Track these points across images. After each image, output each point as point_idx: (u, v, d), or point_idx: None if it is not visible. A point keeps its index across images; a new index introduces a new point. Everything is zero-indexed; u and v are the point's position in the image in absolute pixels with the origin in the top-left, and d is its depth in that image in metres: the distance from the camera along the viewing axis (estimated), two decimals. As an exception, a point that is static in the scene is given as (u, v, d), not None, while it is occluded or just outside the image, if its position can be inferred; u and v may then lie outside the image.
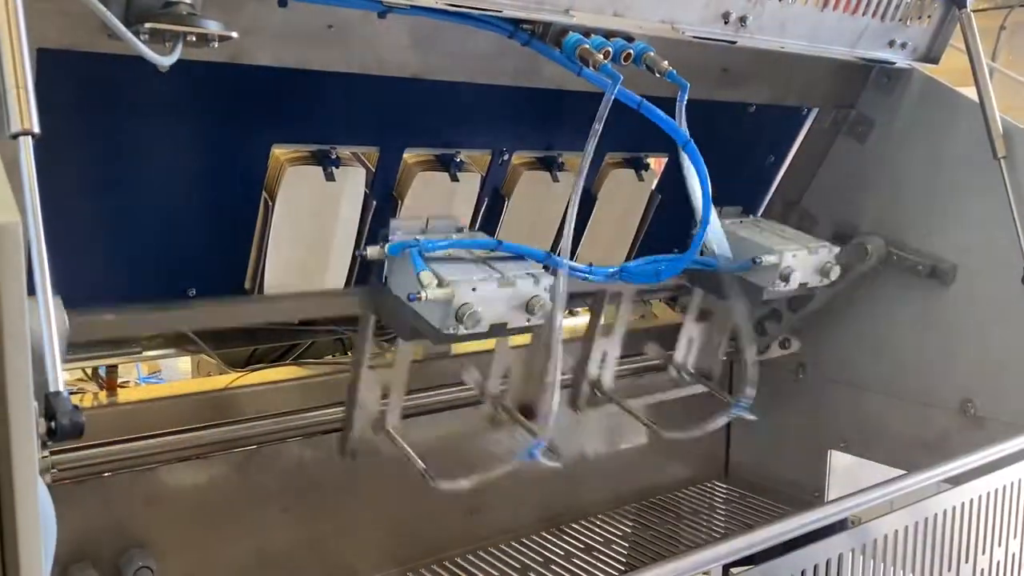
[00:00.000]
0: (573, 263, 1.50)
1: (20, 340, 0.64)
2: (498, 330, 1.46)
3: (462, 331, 1.40)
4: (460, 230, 1.60)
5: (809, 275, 1.93)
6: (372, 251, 1.47)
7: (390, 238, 1.48)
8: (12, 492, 0.67)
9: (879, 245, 2.20)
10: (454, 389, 1.94)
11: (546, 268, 1.55)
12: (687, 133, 1.51)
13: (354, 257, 1.78)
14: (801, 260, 1.90)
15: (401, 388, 1.68)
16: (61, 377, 0.80)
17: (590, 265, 1.59)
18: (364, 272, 1.82)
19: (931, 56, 2.16)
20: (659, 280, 1.69)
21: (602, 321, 2.01)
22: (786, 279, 1.87)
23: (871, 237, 2.21)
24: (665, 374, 2.21)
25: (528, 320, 1.47)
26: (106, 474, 1.64)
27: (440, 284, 1.38)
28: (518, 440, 1.82)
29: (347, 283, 1.81)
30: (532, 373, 1.82)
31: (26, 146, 0.85)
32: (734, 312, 1.91)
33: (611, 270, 1.63)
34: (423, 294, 1.36)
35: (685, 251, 1.64)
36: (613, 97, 1.48)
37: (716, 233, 1.71)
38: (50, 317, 0.81)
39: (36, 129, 0.85)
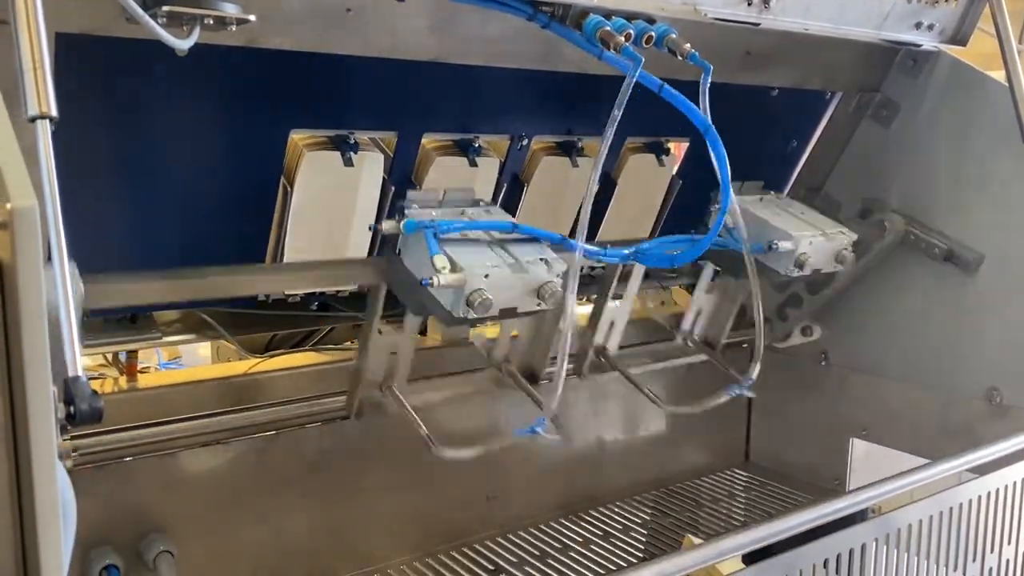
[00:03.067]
0: (588, 245, 1.49)
1: (38, 325, 0.64)
2: (508, 313, 1.46)
3: (472, 315, 1.40)
4: (476, 203, 1.60)
5: (824, 261, 1.91)
6: (387, 225, 1.47)
7: (406, 211, 1.48)
8: (32, 477, 0.67)
9: (898, 222, 2.17)
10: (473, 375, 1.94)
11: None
12: (708, 119, 1.49)
13: (372, 242, 1.78)
14: (817, 247, 1.88)
15: (409, 351, 1.71)
16: (80, 363, 0.80)
17: (605, 248, 1.57)
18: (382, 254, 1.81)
19: (959, 38, 2.11)
20: (673, 265, 1.68)
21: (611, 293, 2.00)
22: (801, 266, 1.86)
23: (891, 214, 2.18)
24: (672, 344, 2.23)
25: (538, 305, 1.47)
26: (127, 459, 1.65)
27: (453, 269, 1.37)
28: (524, 411, 1.84)
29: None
30: (539, 340, 1.86)
31: (43, 130, 0.84)
32: (747, 289, 1.90)
33: (626, 251, 1.62)
34: (436, 279, 1.36)
35: (702, 234, 1.63)
36: (635, 80, 1.46)
37: (737, 216, 1.70)
38: (68, 302, 0.81)
39: (54, 112, 0.85)
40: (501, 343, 1.86)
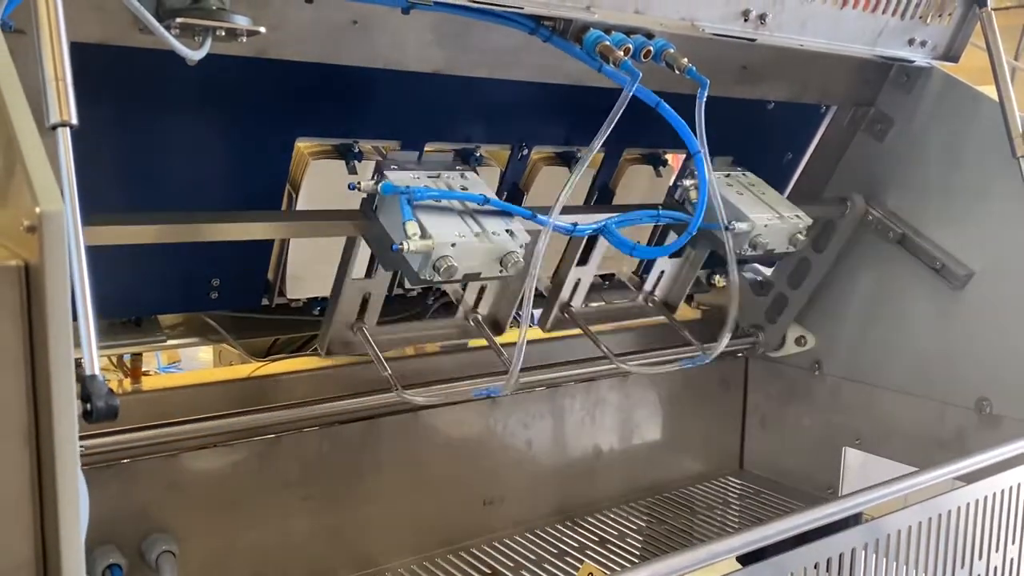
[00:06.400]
0: (558, 220, 1.56)
1: (64, 326, 0.67)
2: (471, 277, 1.54)
3: (437, 279, 1.48)
4: (453, 166, 1.66)
5: (778, 243, 1.97)
6: (366, 185, 1.52)
7: (384, 172, 1.54)
8: (54, 474, 0.70)
9: (859, 201, 2.25)
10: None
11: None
12: (697, 143, 1.56)
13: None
14: (772, 229, 1.93)
15: (380, 296, 1.81)
16: (96, 362, 0.82)
17: (575, 224, 1.65)
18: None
19: (951, 54, 2.15)
20: (631, 255, 1.77)
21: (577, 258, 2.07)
22: (754, 246, 1.92)
23: (853, 195, 2.25)
24: (634, 303, 2.32)
25: (501, 272, 1.55)
26: (129, 460, 1.67)
27: (423, 236, 1.45)
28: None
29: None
30: (506, 294, 1.96)
31: (64, 137, 0.87)
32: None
33: (594, 227, 1.71)
34: (405, 245, 1.43)
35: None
36: (631, 94, 1.50)
37: (716, 200, 1.77)
38: (87, 304, 0.84)
39: (74, 120, 0.88)
40: (470, 293, 1.97)
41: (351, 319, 1.80)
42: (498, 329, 1.99)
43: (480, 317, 1.98)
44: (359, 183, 1.51)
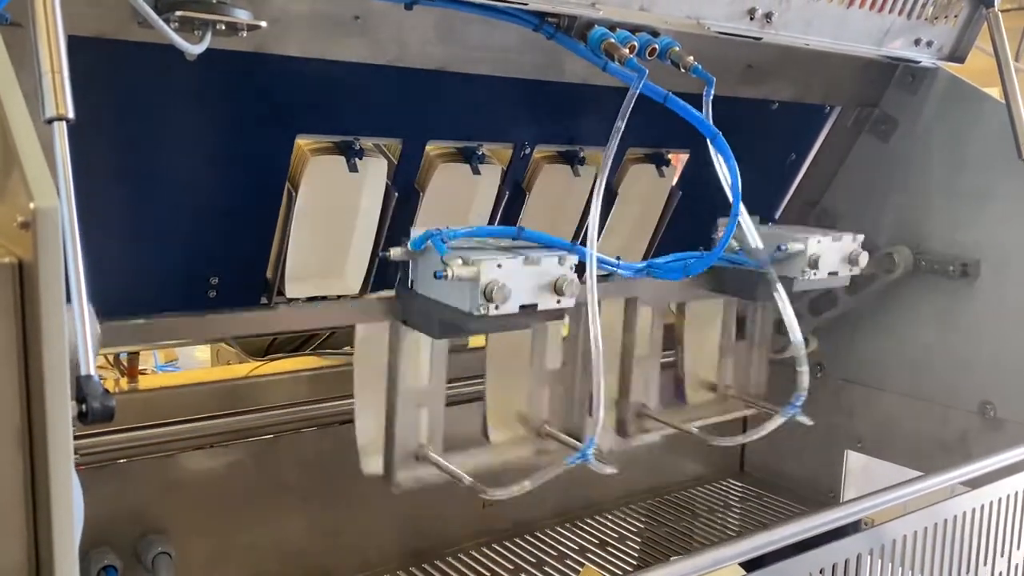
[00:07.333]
0: (601, 255, 1.48)
1: (58, 324, 0.65)
2: (530, 312, 1.45)
3: (493, 311, 1.39)
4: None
5: (837, 263, 1.90)
6: (395, 252, 1.48)
7: (411, 235, 1.49)
8: (47, 475, 0.68)
9: (906, 255, 2.19)
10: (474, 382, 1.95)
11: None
12: (713, 127, 1.51)
13: (375, 249, 1.79)
14: (826, 246, 1.87)
15: (440, 407, 1.67)
16: (93, 361, 0.81)
17: (618, 259, 1.58)
18: (384, 264, 1.83)
19: (957, 55, 2.14)
20: (686, 276, 1.66)
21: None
22: (815, 265, 1.83)
23: (898, 247, 2.20)
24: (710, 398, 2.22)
25: (558, 301, 1.46)
26: (127, 460, 1.66)
27: (465, 263, 1.38)
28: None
29: (367, 274, 1.81)
30: (570, 394, 1.84)
31: (60, 131, 0.86)
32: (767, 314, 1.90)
33: (639, 265, 1.63)
34: (449, 271, 1.36)
35: (710, 250, 1.63)
36: (638, 92, 1.48)
37: (746, 222, 1.66)
38: (83, 301, 0.82)
39: (71, 114, 0.86)
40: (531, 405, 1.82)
41: (414, 445, 1.65)
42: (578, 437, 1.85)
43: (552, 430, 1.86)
44: (389, 252, 1.47)
